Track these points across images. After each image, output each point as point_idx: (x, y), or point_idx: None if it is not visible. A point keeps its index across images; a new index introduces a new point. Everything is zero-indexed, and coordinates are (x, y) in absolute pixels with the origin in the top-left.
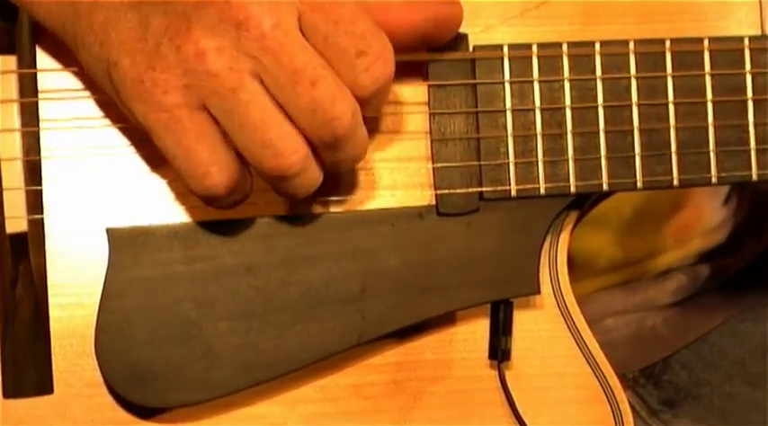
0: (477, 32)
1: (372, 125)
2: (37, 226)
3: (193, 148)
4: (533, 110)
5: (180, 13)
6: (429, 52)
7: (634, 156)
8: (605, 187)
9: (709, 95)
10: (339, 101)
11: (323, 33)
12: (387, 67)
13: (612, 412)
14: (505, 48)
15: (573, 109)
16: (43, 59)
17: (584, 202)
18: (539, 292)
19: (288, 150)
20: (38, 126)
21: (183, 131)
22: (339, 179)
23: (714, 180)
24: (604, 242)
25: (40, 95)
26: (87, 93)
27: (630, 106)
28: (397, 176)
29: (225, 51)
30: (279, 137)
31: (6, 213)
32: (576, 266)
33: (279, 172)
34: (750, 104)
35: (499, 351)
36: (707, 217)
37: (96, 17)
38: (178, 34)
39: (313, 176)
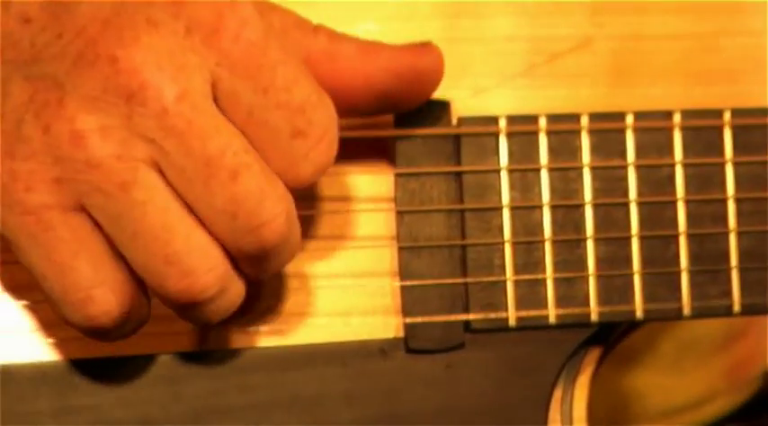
0: (465, 97)
1: (317, 228)
2: None
3: (69, 265)
4: (540, 207)
5: (49, 77)
6: (396, 127)
7: (679, 273)
8: (639, 315)
9: None
10: (269, 199)
11: (247, 106)
12: (332, 150)
13: None
14: (503, 121)
15: (595, 206)
16: None
17: (610, 335)
18: None
19: (200, 268)
20: None
21: (54, 242)
22: (271, 300)
23: None
24: (635, 384)
25: None
26: None
27: (675, 203)
28: (351, 298)
29: (111, 133)
30: (187, 249)
31: None
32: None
33: (188, 296)
34: None
35: None
36: None
37: None
38: (46, 108)
39: (233, 298)
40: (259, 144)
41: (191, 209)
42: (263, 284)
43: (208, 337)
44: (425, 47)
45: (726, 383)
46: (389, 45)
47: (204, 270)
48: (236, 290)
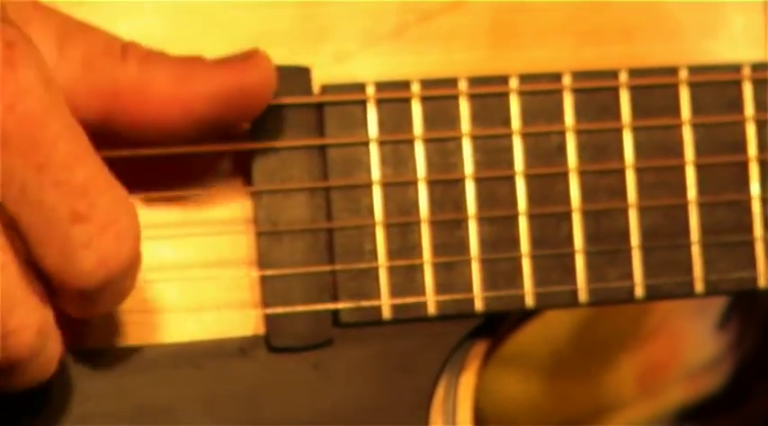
0: (328, 64)
1: (162, 212)
2: None
3: None
4: (415, 183)
5: None
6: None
7: (573, 254)
8: (529, 302)
9: (690, 156)
10: (21, 307)
11: (20, 183)
12: (122, 242)
13: None
14: (370, 88)
15: (477, 181)
16: None
17: (498, 326)
18: None
19: None
20: None
21: None
22: (106, 297)
23: (699, 288)
24: (528, 389)
25: None
26: None
27: (567, 175)
28: (203, 291)
29: None
30: None
31: None
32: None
33: None
34: (754, 168)
35: None
36: (690, 352)
37: None
38: None
39: None
40: (33, 228)
41: None
42: None
43: None
44: (250, 59)
45: (637, 389)
46: (209, 64)
47: None
48: None
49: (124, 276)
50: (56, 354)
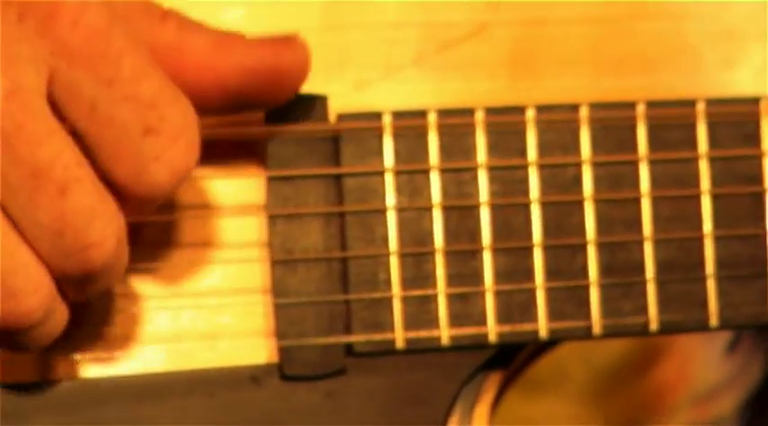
0: (346, 91)
1: (179, 239)
2: None
3: None
4: (430, 213)
5: None
6: (267, 124)
7: (588, 286)
8: (543, 335)
9: (706, 187)
10: (99, 219)
11: (89, 100)
12: (190, 153)
13: None
14: (387, 117)
15: (493, 212)
16: None
17: (512, 358)
18: None
19: (24, 289)
20: None
21: None
22: (125, 323)
23: (714, 322)
24: (543, 412)
25: None
26: None
27: (582, 207)
28: (217, 318)
29: None
30: (10, 269)
31: None
32: None
33: (10, 320)
34: None
35: None
36: (699, 375)
37: None
38: None
39: (57, 322)
40: (105, 143)
41: (14, 224)
42: (115, 307)
43: (55, 365)
44: (288, 42)
45: (646, 412)
46: (247, 39)
47: (29, 291)
48: (61, 314)
49: (181, 183)
50: (126, 262)
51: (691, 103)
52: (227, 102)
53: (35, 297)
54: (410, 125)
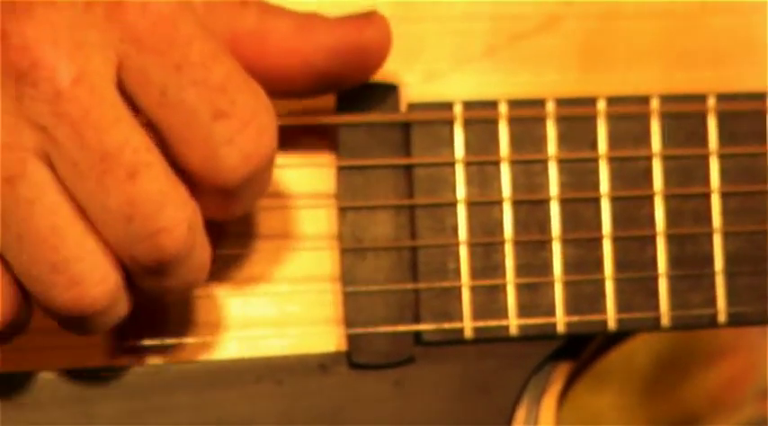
0: (417, 82)
1: (249, 227)
2: None
3: None
4: (500, 204)
5: None
6: (338, 113)
7: (657, 278)
8: (612, 326)
9: None
10: (170, 204)
11: (159, 85)
12: (263, 137)
13: None
14: (458, 108)
15: (562, 203)
16: None
17: (581, 349)
18: None
19: (90, 278)
20: None
21: None
22: (196, 309)
23: None
24: (609, 404)
25: None
26: None
27: (652, 199)
28: (287, 306)
29: None
30: (77, 257)
31: None
32: None
33: (75, 309)
34: None
35: None
36: (765, 369)
37: None
38: None
39: (120, 312)
40: (175, 129)
41: (83, 211)
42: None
43: (123, 351)
44: (369, 18)
45: (712, 405)
46: (328, 19)
47: (95, 281)
48: (124, 304)
49: (264, 170)
50: (206, 259)
51: (761, 97)
52: (313, 83)
53: (101, 286)
54: (481, 115)
